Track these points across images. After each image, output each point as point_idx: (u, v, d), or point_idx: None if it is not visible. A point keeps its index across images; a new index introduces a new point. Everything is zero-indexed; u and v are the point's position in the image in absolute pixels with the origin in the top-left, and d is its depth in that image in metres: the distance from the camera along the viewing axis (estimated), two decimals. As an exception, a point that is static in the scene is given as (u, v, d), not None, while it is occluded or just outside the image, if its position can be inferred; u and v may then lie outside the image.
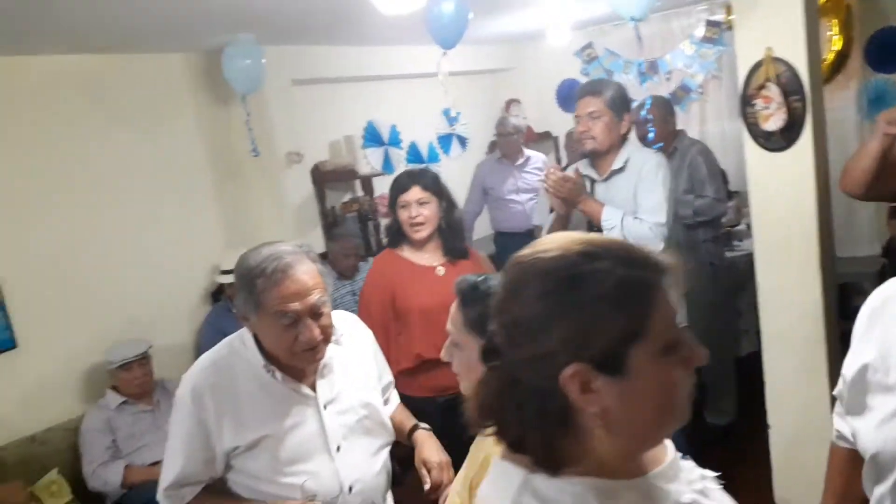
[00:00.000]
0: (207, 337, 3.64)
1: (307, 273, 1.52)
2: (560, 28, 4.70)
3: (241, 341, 1.62)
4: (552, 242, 0.81)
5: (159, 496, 1.63)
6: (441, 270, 2.62)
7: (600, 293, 0.75)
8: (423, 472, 1.72)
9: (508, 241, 4.62)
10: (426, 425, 1.87)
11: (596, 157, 2.63)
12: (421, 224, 2.59)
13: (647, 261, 0.79)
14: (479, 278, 1.36)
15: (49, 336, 3.19)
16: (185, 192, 3.77)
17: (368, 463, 1.68)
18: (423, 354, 2.55)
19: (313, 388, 1.63)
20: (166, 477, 1.60)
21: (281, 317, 1.49)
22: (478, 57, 5.47)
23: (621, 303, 0.75)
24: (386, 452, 1.76)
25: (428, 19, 2.84)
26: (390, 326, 2.62)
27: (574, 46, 5.22)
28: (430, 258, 2.66)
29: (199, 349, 3.73)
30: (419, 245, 2.64)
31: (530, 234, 4.32)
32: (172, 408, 1.63)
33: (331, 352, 1.63)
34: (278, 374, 1.58)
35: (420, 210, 2.58)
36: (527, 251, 0.82)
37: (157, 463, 3.01)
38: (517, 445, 0.80)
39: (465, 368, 1.33)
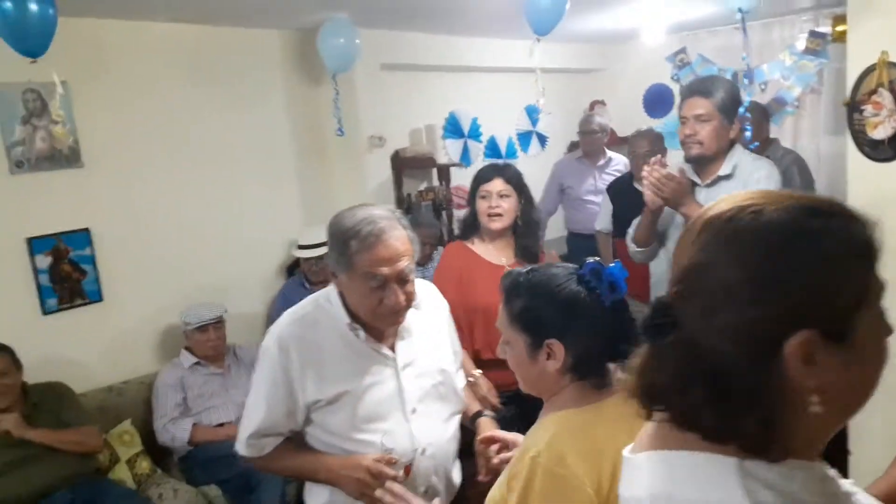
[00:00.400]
0: (279, 309, 3.68)
1: (399, 239, 1.54)
2: (655, 29, 4.61)
3: (326, 298, 1.66)
4: (761, 198, 0.72)
5: (239, 444, 1.67)
6: (493, 267, 2.58)
7: (837, 251, 0.68)
8: (488, 453, 1.64)
9: (582, 242, 4.55)
10: (491, 412, 1.87)
11: (699, 163, 2.49)
12: (499, 215, 2.56)
13: (865, 218, 0.72)
14: (523, 271, 1.34)
15: (132, 293, 3.31)
16: (270, 165, 3.86)
17: (442, 428, 1.69)
18: (482, 354, 2.52)
19: (392, 349, 1.65)
20: (248, 426, 1.64)
21: (370, 279, 1.52)
22: (565, 55, 5.42)
23: (857, 262, 0.69)
24: (457, 420, 1.77)
25: (526, 3, 2.81)
26: (461, 318, 2.59)
27: (666, 51, 5.12)
28: (500, 255, 2.61)
29: (271, 320, 3.80)
30: (491, 238, 2.60)
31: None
32: (258, 359, 1.67)
33: (410, 316, 1.66)
34: (361, 333, 1.61)
35: (500, 202, 2.56)
36: (722, 208, 0.72)
37: (222, 424, 3.11)
38: (717, 432, 0.70)
39: (517, 364, 1.32)
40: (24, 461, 2.59)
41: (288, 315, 1.68)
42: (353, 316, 1.61)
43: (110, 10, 3.04)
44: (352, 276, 1.55)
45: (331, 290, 1.66)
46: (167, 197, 3.43)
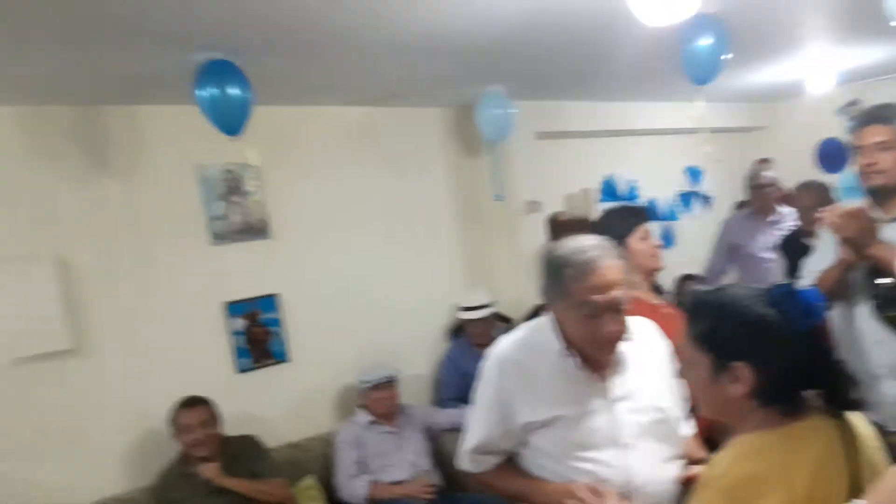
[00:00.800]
0: (447, 372, 3.78)
1: (612, 268, 1.55)
2: (823, 79, 4.42)
3: (542, 325, 1.70)
4: None
5: (463, 458, 1.74)
6: (666, 309, 2.48)
7: None
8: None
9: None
10: None
11: (881, 195, 2.26)
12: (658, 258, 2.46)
13: None
14: (709, 290, 1.29)
15: (313, 353, 3.53)
16: (433, 232, 4.05)
17: (660, 468, 1.62)
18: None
19: (606, 380, 1.64)
20: (469, 442, 1.71)
21: (584, 307, 1.54)
22: (726, 114, 5.31)
23: None
24: (679, 464, 1.67)
25: (683, 54, 2.79)
26: None
27: (833, 105, 4.87)
28: (651, 296, 2.49)
29: (439, 383, 3.88)
30: (643, 279, 2.49)
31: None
32: (480, 379, 1.73)
33: (626, 350, 1.64)
34: (576, 361, 1.61)
35: (659, 241, 2.47)
36: None
37: (399, 482, 3.15)
38: None
39: (698, 386, 1.27)
40: (224, 508, 2.76)
41: (506, 339, 1.74)
42: (569, 343, 1.63)
43: (291, 97, 3.41)
44: (566, 305, 1.58)
45: (544, 320, 1.69)
46: (343, 264, 3.67)
